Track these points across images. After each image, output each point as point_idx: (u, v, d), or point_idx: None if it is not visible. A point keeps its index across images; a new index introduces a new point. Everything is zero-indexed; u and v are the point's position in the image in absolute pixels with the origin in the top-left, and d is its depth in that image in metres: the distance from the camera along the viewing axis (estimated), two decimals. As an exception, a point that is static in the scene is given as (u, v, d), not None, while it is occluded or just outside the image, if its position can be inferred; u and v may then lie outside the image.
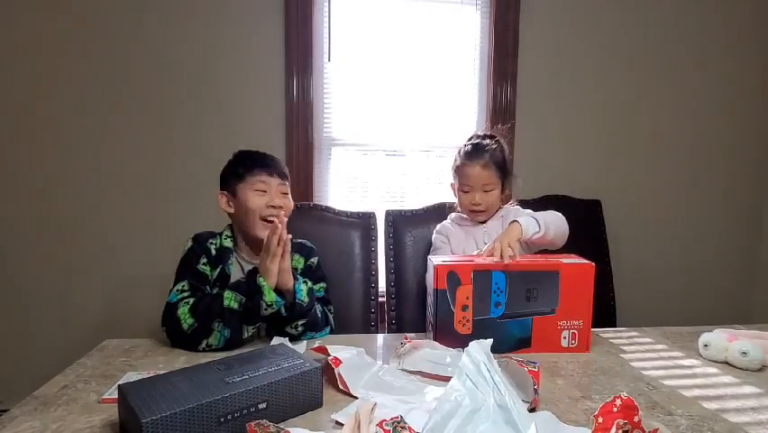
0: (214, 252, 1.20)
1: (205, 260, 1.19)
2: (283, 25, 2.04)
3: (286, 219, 1.12)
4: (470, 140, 1.43)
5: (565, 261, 1.14)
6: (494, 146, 1.39)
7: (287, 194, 1.26)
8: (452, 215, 1.49)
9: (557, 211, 1.33)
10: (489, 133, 1.44)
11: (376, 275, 1.56)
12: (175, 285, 1.15)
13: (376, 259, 1.57)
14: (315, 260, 1.31)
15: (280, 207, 1.20)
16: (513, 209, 1.43)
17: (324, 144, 2.18)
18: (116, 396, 0.78)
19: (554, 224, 1.27)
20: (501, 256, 1.12)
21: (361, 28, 2.15)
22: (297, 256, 1.28)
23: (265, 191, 1.21)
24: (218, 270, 1.19)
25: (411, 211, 1.64)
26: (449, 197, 1.52)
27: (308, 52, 2.07)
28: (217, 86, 2.04)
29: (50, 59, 1.95)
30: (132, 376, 0.92)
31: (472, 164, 1.36)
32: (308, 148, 2.12)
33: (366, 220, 1.60)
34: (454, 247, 1.41)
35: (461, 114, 2.24)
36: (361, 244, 1.57)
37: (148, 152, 2.03)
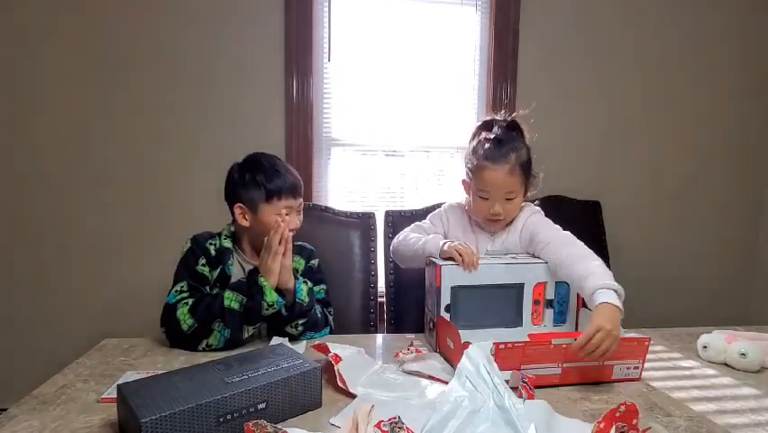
0: (213, 252, 1.20)
1: (204, 261, 1.18)
2: (283, 25, 2.04)
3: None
4: (488, 128, 1.21)
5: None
6: (520, 145, 1.17)
7: (299, 211, 1.25)
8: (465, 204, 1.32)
9: (569, 231, 1.18)
10: (510, 120, 1.22)
11: (375, 275, 1.56)
12: (174, 286, 1.15)
13: (375, 259, 1.57)
14: (315, 262, 1.31)
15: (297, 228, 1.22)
16: (530, 217, 1.23)
17: (324, 144, 2.18)
18: (115, 395, 0.78)
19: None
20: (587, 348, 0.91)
21: (361, 28, 2.15)
22: (297, 258, 1.27)
23: (288, 214, 1.19)
24: (218, 270, 1.19)
25: (411, 211, 1.64)
26: (448, 197, 1.51)
27: (308, 52, 2.07)
28: (217, 86, 2.04)
29: (50, 59, 1.95)
30: (131, 376, 0.92)
31: (496, 168, 1.14)
32: (308, 148, 2.12)
33: (365, 220, 1.60)
34: (446, 236, 1.28)
35: (461, 114, 2.24)
36: (360, 245, 1.57)
37: (148, 151, 2.03)
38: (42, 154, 1.98)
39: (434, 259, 1.15)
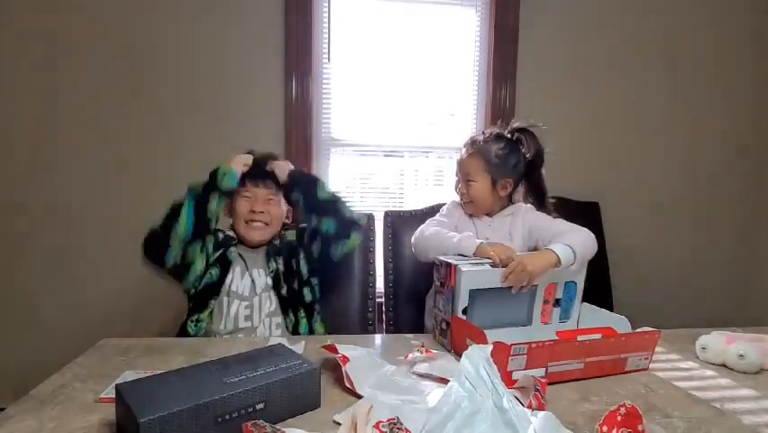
0: (221, 236, 1.34)
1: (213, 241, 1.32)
2: (283, 26, 2.04)
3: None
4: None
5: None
6: (488, 139, 1.34)
7: (272, 200, 1.34)
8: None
9: (571, 222, 1.30)
10: (491, 132, 1.37)
11: (374, 276, 1.56)
12: None
13: (374, 260, 1.57)
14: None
15: (261, 213, 1.31)
16: (525, 209, 1.38)
17: (323, 145, 2.18)
18: (114, 395, 0.77)
19: (587, 251, 1.20)
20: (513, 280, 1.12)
21: (361, 29, 2.15)
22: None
23: (251, 199, 1.33)
24: (220, 252, 1.30)
25: (410, 212, 1.64)
26: (448, 197, 1.52)
27: (308, 53, 2.07)
28: (217, 86, 2.04)
29: (50, 58, 1.95)
30: (129, 375, 0.92)
31: (462, 152, 1.38)
32: (307, 148, 2.12)
33: (365, 221, 1.60)
34: (456, 227, 1.38)
35: (461, 115, 2.24)
36: (359, 245, 1.56)
37: (147, 151, 2.03)
38: (40, 153, 1.98)
39: (446, 259, 1.14)
